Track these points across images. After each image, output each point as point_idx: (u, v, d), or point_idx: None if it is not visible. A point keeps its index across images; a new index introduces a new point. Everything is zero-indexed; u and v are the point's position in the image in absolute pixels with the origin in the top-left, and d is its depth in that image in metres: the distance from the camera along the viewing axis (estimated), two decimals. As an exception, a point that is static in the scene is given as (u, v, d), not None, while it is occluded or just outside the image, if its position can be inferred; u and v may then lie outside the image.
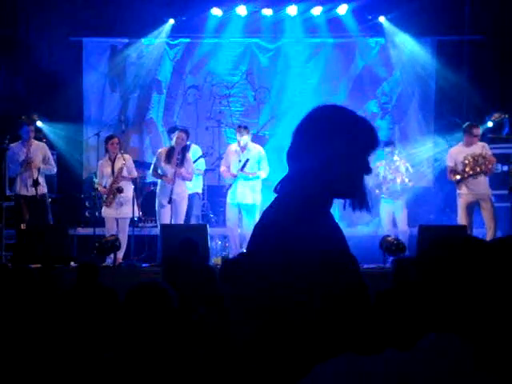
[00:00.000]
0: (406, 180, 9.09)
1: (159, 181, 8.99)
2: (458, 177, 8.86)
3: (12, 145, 9.23)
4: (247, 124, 9.61)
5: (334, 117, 2.01)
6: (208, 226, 8.77)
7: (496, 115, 10.46)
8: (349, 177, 1.99)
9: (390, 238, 8.33)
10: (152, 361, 2.78)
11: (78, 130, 11.43)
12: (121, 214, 8.78)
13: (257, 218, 8.83)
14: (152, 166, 9.07)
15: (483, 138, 9.71)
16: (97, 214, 9.85)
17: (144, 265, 8.71)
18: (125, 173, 8.85)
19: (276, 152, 9.46)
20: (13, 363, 3.18)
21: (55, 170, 9.37)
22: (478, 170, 8.74)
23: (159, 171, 8.88)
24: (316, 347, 1.80)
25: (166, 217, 8.80)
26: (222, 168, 9.11)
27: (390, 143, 9.32)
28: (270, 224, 1.98)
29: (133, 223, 9.41)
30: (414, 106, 11.48)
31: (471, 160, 8.78)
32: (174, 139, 8.85)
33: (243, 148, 8.86)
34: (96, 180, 9.29)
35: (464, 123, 9.22)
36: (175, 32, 11.52)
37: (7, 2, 11.22)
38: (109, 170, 8.84)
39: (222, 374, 2.99)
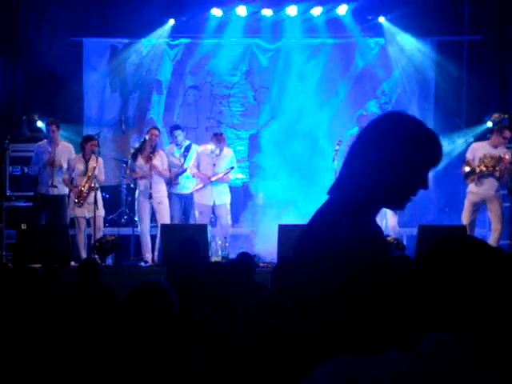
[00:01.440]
0: None
1: (139, 182, 9.14)
2: (468, 168, 8.77)
3: (39, 143, 9.28)
4: (247, 124, 9.65)
5: (399, 125, 1.95)
6: (208, 226, 8.80)
7: (496, 115, 10.42)
8: (402, 189, 1.93)
9: (389, 238, 8.33)
10: (151, 360, 2.78)
11: (78, 130, 11.43)
12: (91, 212, 8.77)
13: (228, 216, 9.11)
14: (128, 167, 9.36)
15: (483, 138, 9.71)
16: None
17: (144, 265, 8.72)
18: (96, 173, 8.90)
19: (276, 152, 9.48)
20: (13, 363, 3.18)
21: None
22: (491, 169, 8.65)
23: (135, 169, 9.11)
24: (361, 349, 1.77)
25: (145, 216, 8.98)
26: (194, 170, 9.26)
27: None
28: (316, 226, 1.94)
29: (133, 223, 9.44)
30: (414, 106, 11.46)
31: (490, 159, 8.70)
32: (148, 135, 9.14)
33: (219, 154, 9.15)
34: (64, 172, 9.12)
35: (464, 123, 9.21)
36: (175, 32, 11.52)
37: (8, 3, 11.21)
38: (82, 167, 8.88)
39: (222, 374, 2.99)
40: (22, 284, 3.92)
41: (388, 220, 8.93)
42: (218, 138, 9.22)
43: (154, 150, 9.00)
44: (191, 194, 9.54)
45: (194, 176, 9.32)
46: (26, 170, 9.94)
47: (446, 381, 1.34)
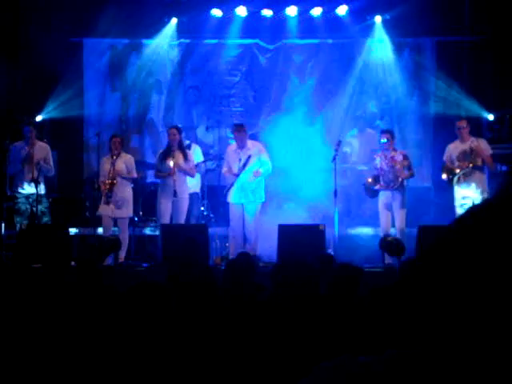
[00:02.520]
0: (403, 170, 8.82)
1: (161, 182, 9.05)
2: (445, 176, 8.82)
3: (15, 143, 9.30)
4: (247, 124, 9.62)
5: None
6: (208, 226, 8.80)
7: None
8: None
9: (389, 238, 8.33)
10: (152, 360, 2.79)
11: (78, 130, 11.44)
12: (117, 213, 8.80)
13: (257, 215, 8.90)
14: (155, 168, 9.21)
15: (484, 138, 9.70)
16: (87, 213, 9.91)
17: (144, 265, 8.72)
18: (124, 172, 8.89)
19: (276, 152, 9.48)
20: (14, 362, 3.19)
21: (53, 172, 9.37)
22: (467, 164, 8.68)
23: (161, 170, 8.98)
24: None
25: (166, 215, 8.84)
26: (224, 169, 9.14)
27: (386, 131, 9.13)
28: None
29: (133, 223, 9.43)
30: (414, 106, 11.49)
31: (462, 156, 8.75)
32: (168, 137, 9.07)
33: (242, 146, 8.88)
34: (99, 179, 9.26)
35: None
36: (176, 32, 11.53)
37: (8, 3, 11.22)
38: (108, 167, 8.88)
39: (222, 374, 3.00)
40: (22, 284, 3.92)
41: (395, 217, 8.89)
42: (238, 130, 8.97)
43: (181, 149, 8.91)
44: (192, 193, 9.53)
45: (226, 176, 9.16)
46: (5, 170, 9.95)
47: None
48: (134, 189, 9.55)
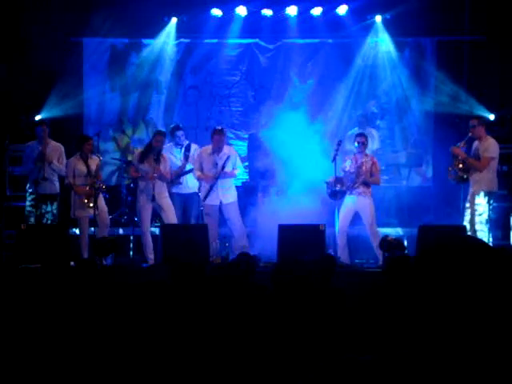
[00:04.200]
0: (368, 176, 8.77)
1: (139, 181, 9.13)
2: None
3: (29, 143, 9.36)
4: (247, 124, 9.64)
5: None
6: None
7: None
8: None
9: (389, 238, 8.33)
10: (152, 359, 2.78)
11: (77, 130, 11.43)
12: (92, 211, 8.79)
13: (236, 214, 9.02)
14: (131, 166, 9.35)
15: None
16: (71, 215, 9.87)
17: (144, 265, 8.72)
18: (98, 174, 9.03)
19: (275, 152, 9.47)
20: (14, 362, 3.18)
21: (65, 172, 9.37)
22: (456, 167, 8.71)
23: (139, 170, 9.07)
24: None
25: (146, 218, 8.94)
26: (198, 173, 9.21)
27: (361, 135, 9.09)
28: None
29: (133, 223, 9.42)
30: (414, 105, 11.47)
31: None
32: (153, 140, 9.13)
33: (218, 151, 9.06)
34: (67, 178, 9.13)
35: (463, 123, 9.18)
36: (175, 32, 11.52)
37: (8, 2, 11.21)
38: (83, 168, 8.89)
39: (222, 373, 2.99)
40: (21, 284, 3.92)
41: (363, 221, 8.89)
42: (217, 134, 9.11)
43: (158, 155, 9.01)
44: (192, 193, 9.55)
45: (198, 179, 9.27)
46: (20, 169, 10.00)
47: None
48: (133, 189, 9.62)
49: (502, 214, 9.71)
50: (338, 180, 8.80)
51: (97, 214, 8.74)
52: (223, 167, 9.00)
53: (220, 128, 9.34)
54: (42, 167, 9.09)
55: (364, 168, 8.83)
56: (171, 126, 10.30)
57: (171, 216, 8.93)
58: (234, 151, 9.45)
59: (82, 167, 8.94)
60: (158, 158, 8.97)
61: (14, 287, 4.19)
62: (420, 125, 11.48)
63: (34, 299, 3.99)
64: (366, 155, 8.99)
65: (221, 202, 9.06)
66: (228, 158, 9.05)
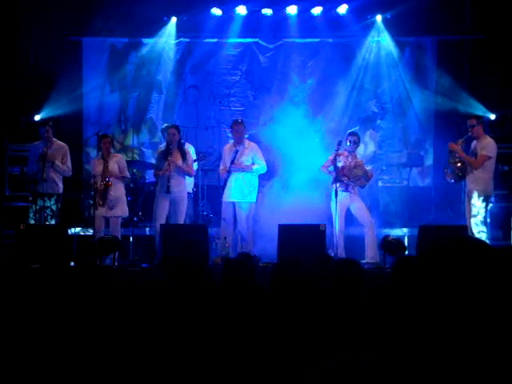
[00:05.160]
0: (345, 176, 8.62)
1: (159, 181, 9.02)
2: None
3: (34, 143, 9.33)
4: (247, 124, 9.59)
5: None
6: (208, 226, 8.77)
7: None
8: None
9: (390, 238, 8.32)
10: (152, 359, 2.77)
11: (77, 130, 11.42)
12: (110, 213, 8.79)
13: (250, 214, 8.90)
14: (155, 168, 9.17)
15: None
16: (86, 213, 9.85)
17: (144, 265, 8.70)
18: (117, 172, 8.90)
19: (275, 152, 9.46)
20: (14, 362, 3.17)
21: (70, 172, 9.30)
22: (452, 164, 8.68)
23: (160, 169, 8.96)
24: None
25: (162, 214, 8.82)
26: (221, 168, 9.18)
27: (353, 134, 8.96)
28: None
29: (133, 223, 9.40)
30: (414, 105, 11.46)
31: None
32: (166, 135, 9.06)
33: (238, 143, 8.95)
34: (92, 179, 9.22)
35: (464, 123, 9.15)
36: (175, 31, 11.52)
37: (8, 2, 11.21)
38: (101, 168, 8.88)
39: (222, 374, 2.98)
40: (21, 284, 3.90)
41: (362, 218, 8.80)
42: (235, 125, 9.01)
43: (181, 151, 8.88)
44: (179, 196, 9.46)
45: (221, 174, 9.16)
46: (24, 170, 9.98)
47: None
48: (133, 189, 9.55)
49: (502, 214, 9.70)
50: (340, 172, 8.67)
51: (107, 214, 8.73)
52: (232, 161, 8.84)
53: (239, 120, 9.24)
54: (43, 167, 9.06)
55: (346, 170, 8.66)
56: (163, 125, 10.30)
57: (179, 214, 8.85)
58: (255, 145, 9.16)
59: (99, 167, 8.93)
60: (181, 151, 8.85)
61: (14, 287, 4.17)
62: (420, 124, 11.47)
63: (33, 299, 3.97)
64: (355, 156, 8.88)
65: (233, 201, 8.91)
66: (237, 151, 8.86)
